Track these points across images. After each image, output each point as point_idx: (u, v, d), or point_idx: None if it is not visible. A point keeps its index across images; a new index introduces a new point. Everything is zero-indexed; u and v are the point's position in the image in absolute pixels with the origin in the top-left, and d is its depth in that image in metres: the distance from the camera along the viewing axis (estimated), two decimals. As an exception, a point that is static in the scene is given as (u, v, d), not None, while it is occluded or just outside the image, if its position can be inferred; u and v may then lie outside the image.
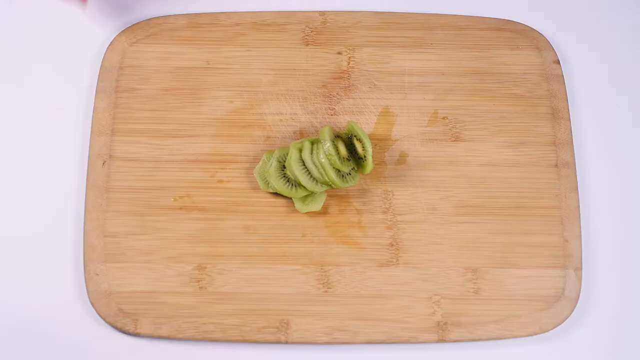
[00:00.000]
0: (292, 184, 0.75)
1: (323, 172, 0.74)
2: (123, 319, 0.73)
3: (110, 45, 0.80)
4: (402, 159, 0.78)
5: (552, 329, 0.74)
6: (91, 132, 0.78)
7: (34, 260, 0.75)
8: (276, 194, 0.76)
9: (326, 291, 0.74)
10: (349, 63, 0.81)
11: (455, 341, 0.73)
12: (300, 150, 0.75)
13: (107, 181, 0.77)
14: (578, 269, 0.75)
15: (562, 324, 0.74)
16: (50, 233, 0.76)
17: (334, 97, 0.80)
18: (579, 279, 0.75)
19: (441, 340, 0.73)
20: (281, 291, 0.74)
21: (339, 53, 0.82)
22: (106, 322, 0.73)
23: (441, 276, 0.75)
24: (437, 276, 0.75)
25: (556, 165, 0.78)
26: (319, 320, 0.73)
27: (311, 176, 0.74)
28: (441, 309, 0.74)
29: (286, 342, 0.73)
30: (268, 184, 0.76)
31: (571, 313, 0.74)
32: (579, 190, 0.78)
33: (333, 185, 0.75)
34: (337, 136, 0.76)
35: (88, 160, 0.77)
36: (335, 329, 0.73)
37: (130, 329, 0.72)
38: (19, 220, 0.76)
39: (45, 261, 0.75)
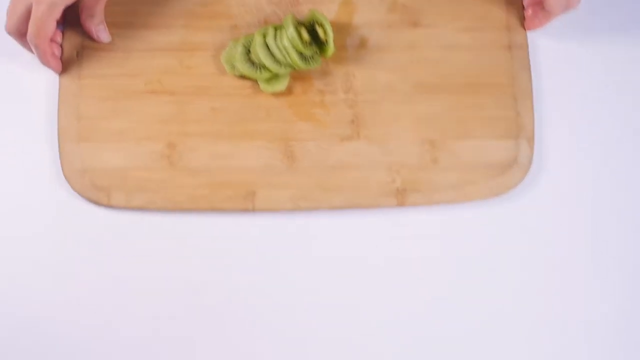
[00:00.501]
0: (257, 67, 0.79)
1: (286, 55, 0.78)
2: (97, 193, 0.76)
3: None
4: (362, 44, 0.82)
5: (505, 192, 0.77)
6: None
7: (34, 260, 0.76)
8: (242, 77, 0.80)
9: (291, 164, 0.78)
10: (311, -44, 0.85)
11: (413, 205, 0.76)
12: (265, 36, 0.79)
13: (80, 69, 0.80)
14: (530, 139, 0.79)
15: (515, 188, 0.77)
16: (51, 233, 0.76)
17: (297, -12, 0.83)
18: (531, 148, 0.78)
19: (400, 204, 0.76)
20: (247, 165, 0.78)
21: (302, -53, 0.85)
22: (82, 196, 0.76)
23: (400, 148, 0.78)
24: (396, 148, 0.78)
25: (509, 47, 0.82)
26: (284, 190, 0.77)
27: (275, 59, 0.78)
28: (400, 176, 0.77)
29: (253, 210, 0.76)
30: (234, 67, 0.80)
31: (524, 178, 0.78)
32: (532, 70, 0.81)
33: (296, 67, 0.78)
34: (300, 23, 0.80)
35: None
36: (299, 197, 0.77)
37: (103, 202, 0.76)
38: (19, 220, 0.77)
39: (45, 261, 0.76)
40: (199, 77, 0.80)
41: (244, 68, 0.78)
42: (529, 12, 0.82)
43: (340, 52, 0.81)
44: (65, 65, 0.80)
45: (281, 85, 0.79)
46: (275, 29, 0.79)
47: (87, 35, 0.80)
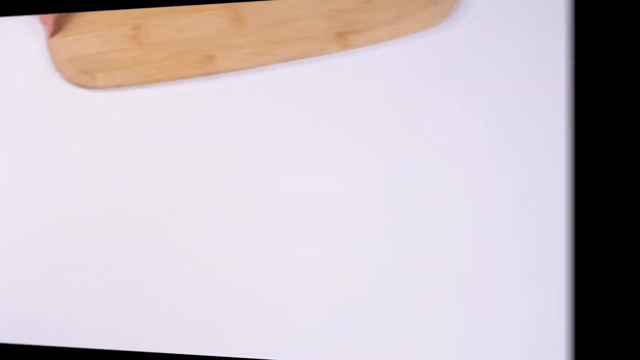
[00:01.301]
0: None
1: None
2: (83, 76, 0.88)
3: None
4: None
5: (443, 20, 0.82)
6: None
7: (38, 260, 0.78)
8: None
9: (240, 26, 0.86)
10: None
11: (357, 46, 0.83)
12: None
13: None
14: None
15: (452, 16, 0.82)
16: (50, 233, 0.79)
17: None
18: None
19: (344, 47, 0.83)
20: (203, 33, 0.86)
21: None
22: (71, 82, 0.88)
23: (334, -5, 0.84)
24: (330, -4, 0.85)
25: None
26: (238, 50, 0.85)
27: None
28: (340, 22, 0.84)
29: (216, 72, 0.86)
30: (183, -55, 0.87)
31: (457, 3, 0.82)
32: None
33: None
34: None
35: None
36: (253, 53, 0.85)
37: (90, 84, 0.88)
38: (18, 220, 0.80)
39: (46, 261, 0.78)
40: (155, -40, 0.89)
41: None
42: None
43: None
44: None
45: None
46: None
47: None
